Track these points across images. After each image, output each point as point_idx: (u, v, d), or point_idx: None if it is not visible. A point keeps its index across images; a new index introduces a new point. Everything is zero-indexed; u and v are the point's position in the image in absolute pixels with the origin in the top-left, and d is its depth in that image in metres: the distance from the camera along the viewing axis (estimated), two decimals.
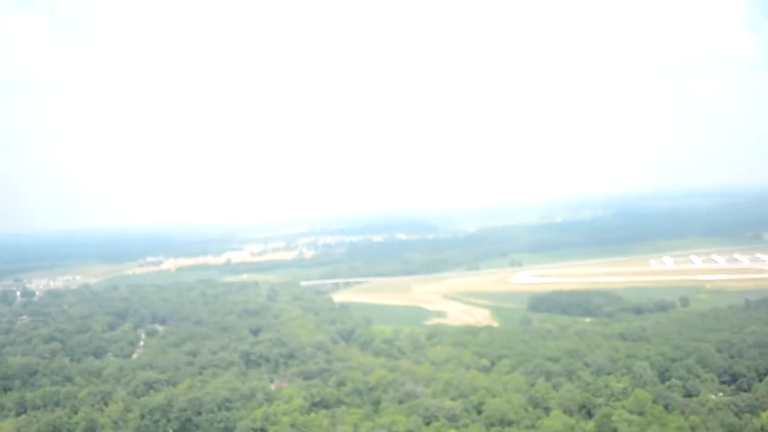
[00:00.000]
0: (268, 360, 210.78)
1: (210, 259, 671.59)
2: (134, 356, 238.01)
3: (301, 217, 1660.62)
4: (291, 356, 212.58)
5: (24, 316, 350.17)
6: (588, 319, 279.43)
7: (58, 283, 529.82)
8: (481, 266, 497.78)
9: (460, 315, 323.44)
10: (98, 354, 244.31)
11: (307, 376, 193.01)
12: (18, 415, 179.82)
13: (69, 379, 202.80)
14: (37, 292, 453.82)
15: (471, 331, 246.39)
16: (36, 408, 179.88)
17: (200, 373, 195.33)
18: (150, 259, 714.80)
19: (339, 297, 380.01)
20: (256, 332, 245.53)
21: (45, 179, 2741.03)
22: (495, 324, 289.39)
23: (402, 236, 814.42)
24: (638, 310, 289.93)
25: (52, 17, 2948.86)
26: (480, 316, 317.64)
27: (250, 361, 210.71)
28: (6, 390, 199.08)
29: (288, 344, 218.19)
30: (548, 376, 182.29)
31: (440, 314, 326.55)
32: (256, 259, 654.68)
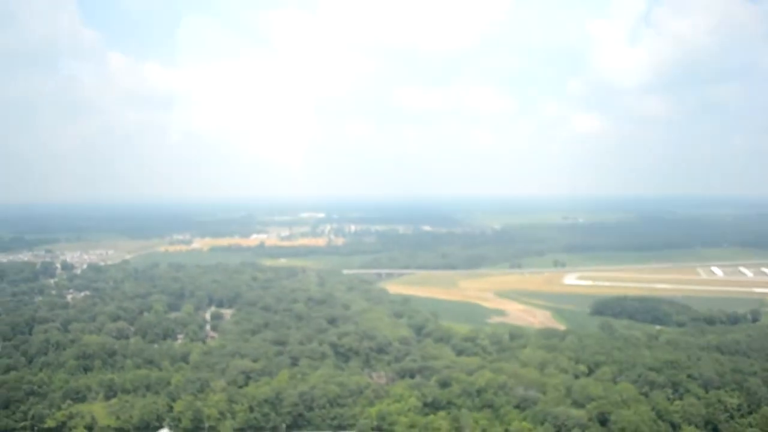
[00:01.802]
0: (357, 353, 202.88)
1: (239, 241, 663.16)
2: (209, 341, 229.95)
3: (298, 196, 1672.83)
4: (381, 350, 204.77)
5: (71, 290, 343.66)
6: (658, 327, 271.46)
7: (91, 256, 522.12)
8: (523, 264, 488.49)
9: (522, 315, 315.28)
10: (169, 336, 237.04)
11: (405, 374, 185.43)
12: (108, 398, 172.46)
13: (151, 362, 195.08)
14: (76, 266, 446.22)
15: (556, 334, 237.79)
16: (125, 392, 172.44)
17: (295, 365, 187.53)
18: (177, 236, 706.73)
19: (388, 288, 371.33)
20: (332, 322, 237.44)
21: (62, 152, 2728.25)
22: (561, 326, 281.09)
23: (427, 228, 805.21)
24: (709, 321, 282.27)
25: None
26: (542, 317, 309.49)
27: (338, 354, 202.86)
28: (86, 370, 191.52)
29: (375, 338, 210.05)
30: (652, 386, 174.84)
31: (500, 313, 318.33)
32: (287, 243, 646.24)
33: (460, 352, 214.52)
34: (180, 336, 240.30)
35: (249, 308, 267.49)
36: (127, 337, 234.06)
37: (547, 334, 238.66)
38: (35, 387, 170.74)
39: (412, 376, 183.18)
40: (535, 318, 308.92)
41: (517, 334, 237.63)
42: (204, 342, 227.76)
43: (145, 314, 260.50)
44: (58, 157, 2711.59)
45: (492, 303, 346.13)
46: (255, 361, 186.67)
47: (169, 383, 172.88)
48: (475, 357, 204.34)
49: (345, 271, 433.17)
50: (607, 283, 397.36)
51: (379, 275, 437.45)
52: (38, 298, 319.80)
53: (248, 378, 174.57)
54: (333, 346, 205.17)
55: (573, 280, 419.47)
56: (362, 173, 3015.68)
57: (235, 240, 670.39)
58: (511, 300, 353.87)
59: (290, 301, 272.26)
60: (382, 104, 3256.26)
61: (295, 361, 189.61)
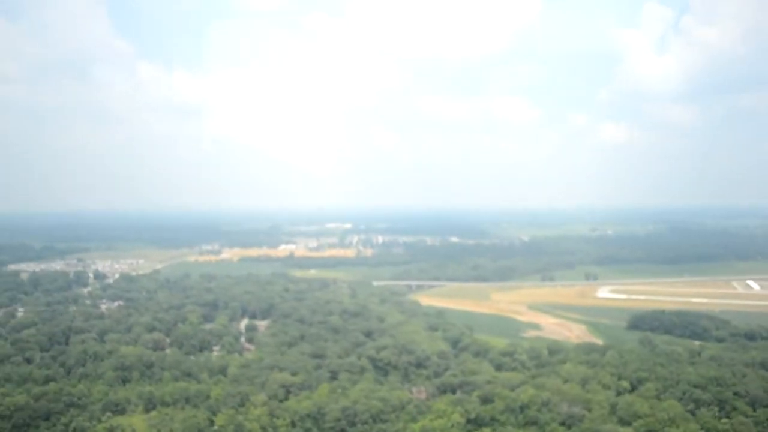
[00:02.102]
0: (396, 367, 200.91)
1: (268, 251, 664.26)
2: (246, 353, 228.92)
3: (323, 206, 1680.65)
4: (419, 365, 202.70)
5: (105, 300, 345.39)
6: (698, 343, 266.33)
7: (122, 266, 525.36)
8: (556, 277, 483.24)
9: (557, 329, 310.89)
10: (205, 348, 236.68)
11: (446, 389, 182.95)
12: (147, 411, 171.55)
13: (189, 374, 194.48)
14: (108, 275, 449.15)
15: (596, 349, 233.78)
16: (165, 404, 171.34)
17: (334, 379, 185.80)
18: (206, 247, 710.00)
19: (420, 300, 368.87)
20: (368, 336, 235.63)
21: (90, 161, 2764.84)
22: (597, 341, 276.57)
23: (454, 239, 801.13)
24: (750, 336, 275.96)
25: (109, 5, 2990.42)
26: (578, 332, 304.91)
27: (377, 368, 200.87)
28: (124, 382, 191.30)
29: (413, 351, 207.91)
30: (698, 403, 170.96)
31: (535, 326, 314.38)
32: (316, 254, 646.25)
33: (498, 367, 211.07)
34: (215, 348, 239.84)
35: (284, 320, 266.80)
36: (162, 349, 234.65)
37: (587, 349, 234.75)
38: (75, 398, 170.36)
39: (453, 392, 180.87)
40: (570, 332, 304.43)
41: (555, 349, 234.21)
42: (240, 354, 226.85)
43: (180, 325, 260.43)
44: (86, 166, 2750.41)
45: (525, 316, 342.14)
46: (294, 374, 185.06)
47: (208, 396, 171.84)
48: (515, 372, 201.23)
49: (375, 283, 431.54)
50: (641, 297, 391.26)
51: (410, 287, 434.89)
52: (72, 308, 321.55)
53: (288, 392, 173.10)
54: (371, 359, 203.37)
55: (606, 293, 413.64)
56: (387, 183, 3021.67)
57: (264, 250, 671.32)
58: (544, 313, 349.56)
59: (325, 314, 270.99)
60: (407, 114, 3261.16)
61: (334, 375, 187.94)
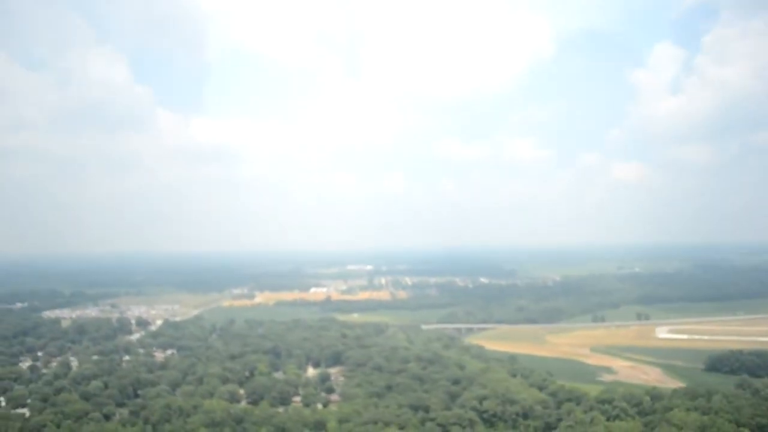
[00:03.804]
0: (502, 419, 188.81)
1: (301, 295, 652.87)
2: (332, 406, 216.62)
3: (337, 248, 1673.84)
4: (525, 415, 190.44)
5: (155, 348, 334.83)
6: None
7: (159, 312, 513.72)
8: (605, 317, 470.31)
9: (632, 372, 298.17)
10: (286, 399, 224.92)
11: None
12: None
13: (284, 430, 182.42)
14: (150, 322, 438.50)
15: (697, 394, 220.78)
16: None
17: None
18: (235, 291, 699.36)
19: (476, 344, 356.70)
20: (456, 384, 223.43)
21: (110, 207, 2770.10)
22: (678, 384, 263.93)
23: (484, 280, 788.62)
24: None
25: (129, 52, 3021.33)
26: (654, 375, 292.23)
27: (483, 420, 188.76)
28: None
29: (516, 401, 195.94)
30: None
31: (607, 370, 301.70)
32: (351, 297, 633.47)
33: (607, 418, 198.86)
34: (295, 399, 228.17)
35: (359, 369, 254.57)
36: (238, 401, 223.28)
37: (688, 394, 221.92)
38: None
39: None
40: (647, 375, 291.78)
41: (655, 395, 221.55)
42: (325, 406, 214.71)
43: (257, 377, 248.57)
44: (107, 212, 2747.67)
45: (592, 359, 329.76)
46: (402, 429, 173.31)
47: None
48: (626, 422, 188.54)
49: (424, 327, 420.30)
50: (704, 337, 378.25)
51: (459, 330, 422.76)
52: (126, 357, 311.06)
53: None
54: (475, 411, 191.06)
55: (666, 333, 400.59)
56: (399, 224, 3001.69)
57: (296, 294, 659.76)
58: (611, 356, 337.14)
59: (400, 361, 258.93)
60: (418, 156, 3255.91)
61: (444, 429, 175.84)
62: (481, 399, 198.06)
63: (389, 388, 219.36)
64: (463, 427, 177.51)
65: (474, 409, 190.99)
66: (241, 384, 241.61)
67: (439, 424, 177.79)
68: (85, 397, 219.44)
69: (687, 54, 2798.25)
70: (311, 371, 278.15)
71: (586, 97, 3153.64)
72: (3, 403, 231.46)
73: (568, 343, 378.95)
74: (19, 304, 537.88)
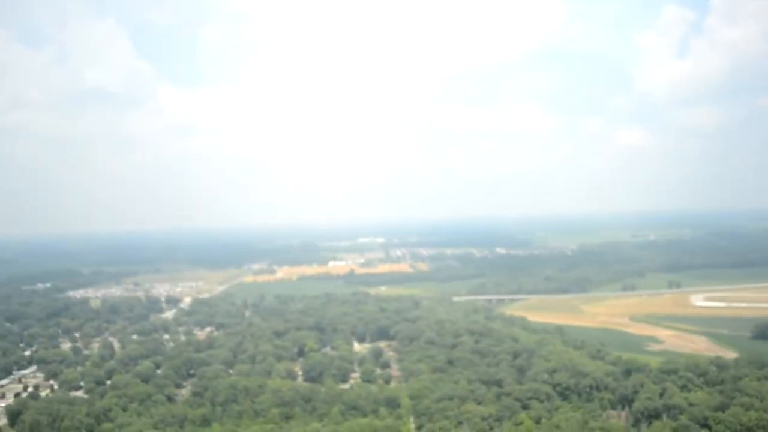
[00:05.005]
0: (576, 392, 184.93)
1: (322, 269, 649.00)
2: (394, 382, 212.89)
3: (343, 220, 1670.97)
4: (597, 388, 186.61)
5: (194, 327, 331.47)
6: None
7: (184, 289, 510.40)
8: (633, 286, 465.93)
9: (677, 341, 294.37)
10: (345, 377, 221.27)
11: (648, 414, 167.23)
12: None
13: (355, 408, 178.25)
14: (180, 300, 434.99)
15: (762, 363, 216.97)
16: None
17: (525, 408, 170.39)
18: (254, 266, 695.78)
19: (525, 316, 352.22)
20: (516, 357, 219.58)
21: (113, 183, 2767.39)
22: (729, 353, 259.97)
23: (501, 250, 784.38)
24: None
25: (130, 27, 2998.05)
26: (702, 344, 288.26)
27: (557, 393, 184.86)
28: (287, 419, 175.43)
29: (585, 373, 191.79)
30: None
31: (653, 340, 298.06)
32: (372, 270, 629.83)
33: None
34: (354, 375, 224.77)
35: (411, 343, 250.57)
36: (294, 379, 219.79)
37: (756, 363, 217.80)
38: None
39: (656, 417, 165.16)
40: (694, 344, 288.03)
41: (721, 365, 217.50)
42: (387, 383, 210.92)
43: (307, 353, 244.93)
44: (109, 188, 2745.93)
45: (634, 329, 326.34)
46: (479, 404, 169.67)
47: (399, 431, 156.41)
48: (703, 393, 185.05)
49: (455, 299, 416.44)
50: (743, 304, 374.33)
51: (490, 302, 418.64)
52: (165, 336, 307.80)
53: (490, 426, 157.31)
54: (548, 384, 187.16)
55: (702, 301, 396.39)
56: (403, 195, 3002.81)
57: (316, 268, 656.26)
58: (651, 325, 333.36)
59: (452, 335, 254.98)
60: (423, 124, 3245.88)
61: (523, 404, 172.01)
62: (551, 372, 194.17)
63: (450, 362, 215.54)
64: (541, 401, 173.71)
65: (546, 382, 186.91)
66: (294, 361, 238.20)
67: (516, 399, 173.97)
68: (141, 378, 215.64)
69: (695, 16, 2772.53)
70: (357, 346, 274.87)
71: (592, 62, 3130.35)
72: (56, 387, 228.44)
73: (605, 312, 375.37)
74: (40, 285, 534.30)
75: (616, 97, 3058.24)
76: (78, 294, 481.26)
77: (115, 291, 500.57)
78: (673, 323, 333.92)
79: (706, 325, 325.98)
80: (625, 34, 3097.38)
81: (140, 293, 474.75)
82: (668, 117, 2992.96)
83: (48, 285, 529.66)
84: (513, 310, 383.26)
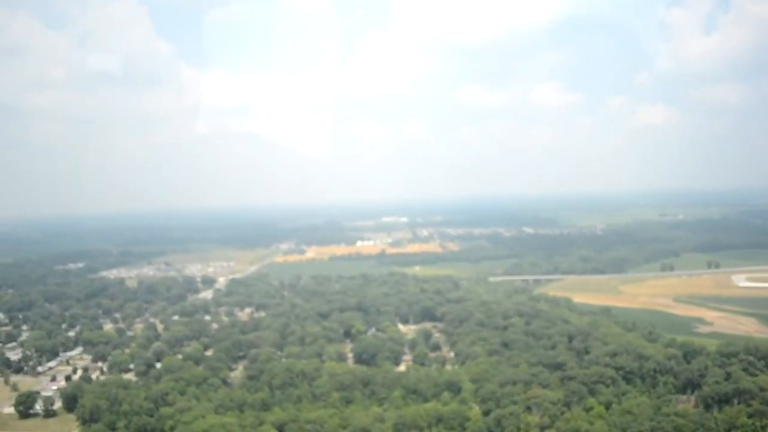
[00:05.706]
0: (640, 376, 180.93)
1: (352, 249, 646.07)
2: (447, 366, 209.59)
3: (363, 199, 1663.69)
4: (661, 371, 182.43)
5: (234, 307, 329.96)
6: None
7: (216, 269, 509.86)
8: (673, 266, 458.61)
9: (726, 323, 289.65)
10: (397, 359, 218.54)
11: (719, 398, 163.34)
12: None
13: (415, 392, 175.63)
14: (215, 280, 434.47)
15: None
16: (417, 429, 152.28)
17: (592, 392, 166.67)
18: (282, 246, 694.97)
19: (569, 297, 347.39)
20: (572, 340, 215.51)
21: (135, 164, 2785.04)
22: None
23: (529, 230, 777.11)
24: None
25: (150, 7, 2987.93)
26: (752, 326, 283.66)
27: (621, 377, 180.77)
28: (348, 402, 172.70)
29: (648, 357, 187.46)
30: None
31: (701, 321, 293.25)
32: (403, 250, 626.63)
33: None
34: (405, 358, 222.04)
35: (462, 325, 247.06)
36: (345, 360, 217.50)
37: None
38: (318, 427, 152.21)
39: (727, 401, 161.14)
40: (744, 326, 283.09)
41: None
42: (443, 366, 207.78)
43: (355, 335, 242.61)
44: (129, 169, 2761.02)
45: (679, 310, 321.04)
46: (545, 387, 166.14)
47: (467, 419, 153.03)
48: (763, 376, 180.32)
49: (491, 279, 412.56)
50: None
51: (527, 282, 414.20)
52: (206, 317, 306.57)
53: (561, 411, 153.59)
54: (612, 367, 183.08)
55: (744, 282, 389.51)
56: (423, 174, 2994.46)
57: (345, 248, 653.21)
58: (696, 306, 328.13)
59: (502, 317, 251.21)
60: (441, 104, 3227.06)
61: (589, 388, 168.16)
62: (612, 355, 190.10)
63: (505, 345, 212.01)
64: (607, 386, 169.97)
65: (608, 365, 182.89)
66: (340, 342, 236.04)
67: (581, 383, 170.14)
68: (191, 360, 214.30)
69: None
70: (402, 328, 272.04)
71: (614, 39, 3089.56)
72: (105, 369, 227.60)
73: (646, 293, 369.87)
74: (72, 265, 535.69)
75: (639, 74, 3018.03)
76: (111, 274, 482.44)
77: (148, 271, 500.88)
78: (717, 304, 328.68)
79: (753, 306, 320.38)
80: (649, 10, 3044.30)
81: (174, 273, 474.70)
82: (692, 94, 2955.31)
83: (81, 265, 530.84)
84: (553, 291, 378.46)
